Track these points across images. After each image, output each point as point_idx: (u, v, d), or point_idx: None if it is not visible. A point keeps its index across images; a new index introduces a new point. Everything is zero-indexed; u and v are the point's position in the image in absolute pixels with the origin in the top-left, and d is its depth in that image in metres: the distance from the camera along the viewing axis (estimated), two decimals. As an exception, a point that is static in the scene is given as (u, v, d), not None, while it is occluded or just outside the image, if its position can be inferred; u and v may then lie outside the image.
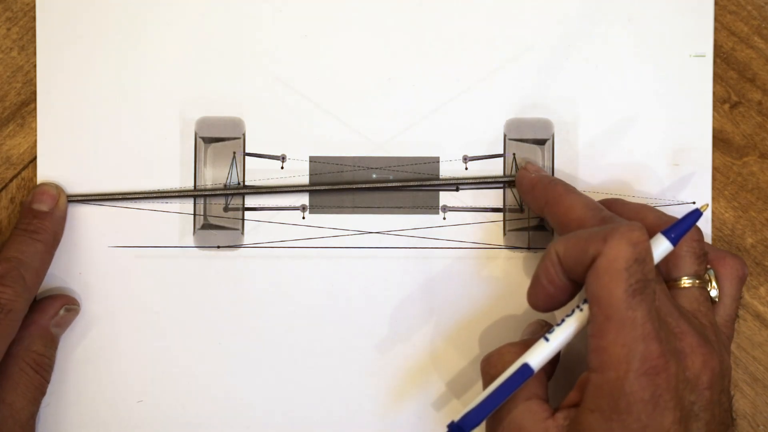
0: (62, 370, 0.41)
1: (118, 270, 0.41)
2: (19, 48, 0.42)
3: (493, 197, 0.42)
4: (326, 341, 0.41)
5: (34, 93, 0.42)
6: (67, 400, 0.41)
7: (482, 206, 0.42)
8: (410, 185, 0.42)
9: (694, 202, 0.41)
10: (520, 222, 0.42)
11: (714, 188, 0.42)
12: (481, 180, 0.41)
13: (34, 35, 0.42)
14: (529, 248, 0.42)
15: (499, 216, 0.42)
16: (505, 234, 0.42)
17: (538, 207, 0.39)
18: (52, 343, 0.40)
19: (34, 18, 0.42)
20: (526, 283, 0.41)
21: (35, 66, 0.42)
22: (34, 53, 0.42)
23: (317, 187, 0.42)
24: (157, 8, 0.42)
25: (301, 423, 0.41)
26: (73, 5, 0.41)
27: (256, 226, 0.42)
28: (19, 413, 0.37)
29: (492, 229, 0.42)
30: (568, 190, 0.38)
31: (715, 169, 0.42)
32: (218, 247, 0.42)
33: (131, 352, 0.41)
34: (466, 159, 0.42)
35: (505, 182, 0.42)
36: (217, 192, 0.42)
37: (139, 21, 0.42)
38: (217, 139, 0.42)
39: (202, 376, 0.41)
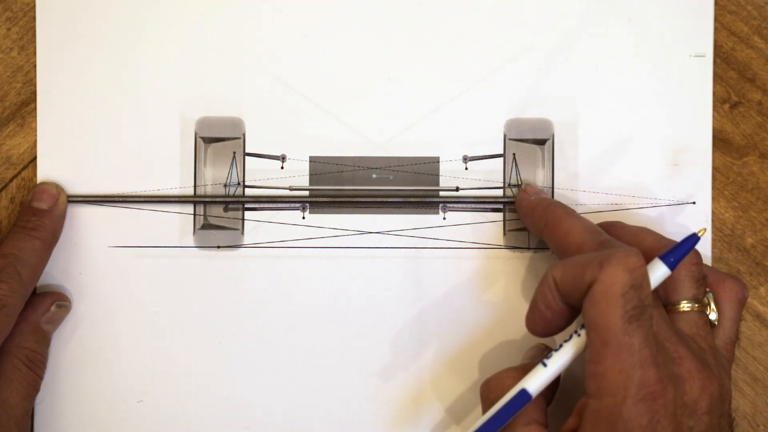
0: (62, 370, 0.41)
1: (118, 270, 0.41)
2: (19, 48, 0.42)
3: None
4: (326, 341, 0.41)
5: (34, 93, 0.42)
6: (67, 400, 0.41)
7: (482, 206, 0.42)
8: (409, 200, 0.42)
9: (694, 203, 0.41)
10: (520, 222, 0.42)
11: (714, 188, 0.42)
12: (480, 199, 0.41)
13: (34, 35, 0.42)
14: (529, 248, 0.42)
15: (499, 216, 0.42)
16: (505, 234, 0.42)
17: (538, 229, 0.39)
18: (44, 340, 0.40)
19: (34, 18, 0.42)
20: (525, 282, 0.41)
21: (35, 66, 0.42)
22: (34, 53, 0.42)
23: (317, 199, 0.42)
24: (157, 8, 0.42)
25: (300, 423, 0.41)
26: (73, 5, 0.41)
27: (256, 226, 0.42)
28: (13, 410, 0.37)
29: (492, 229, 0.42)
30: (568, 213, 0.38)
31: (715, 169, 0.42)
32: (218, 247, 0.42)
33: (131, 352, 0.41)
34: (466, 159, 0.42)
35: (505, 203, 0.42)
36: (217, 200, 0.42)
37: (139, 21, 0.42)
38: (217, 139, 0.42)
39: (202, 376, 0.41)
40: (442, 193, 0.42)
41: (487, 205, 0.42)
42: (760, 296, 0.42)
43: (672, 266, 0.33)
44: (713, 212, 0.42)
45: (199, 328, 0.41)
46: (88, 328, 0.41)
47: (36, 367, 0.39)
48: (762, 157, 0.42)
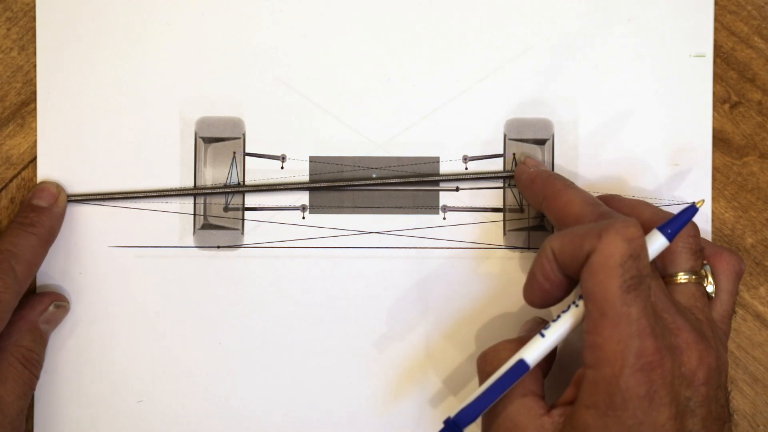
0: (62, 370, 0.41)
1: (118, 270, 0.41)
2: (19, 48, 0.42)
3: (493, 197, 0.42)
4: (326, 341, 0.41)
5: (34, 93, 0.42)
6: (67, 400, 0.41)
7: (482, 206, 0.42)
8: (410, 181, 0.42)
9: (694, 202, 0.41)
10: (519, 222, 0.42)
11: (714, 188, 0.42)
12: (481, 175, 0.41)
13: (34, 35, 0.42)
14: (528, 248, 0.42)
15: (499, 216, 0.42)
16: (504, 234, 0.42)
17: (537, 202, 0.39)
18: (41, 339, 0.40)
19: (34, 18, 0.42)
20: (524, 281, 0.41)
21: (35, 66, 0.42)
22: (34, 53, 0.42)
23: (317, 185, 0.42)
24: (157, 8, 0.42)
25: (300, 422, 0.41)
26: (73, 5, 0.41)
27: (256, 226, 0.42)
28: (7, 408, 0.37)
29: (492, 229, 0.42)
30: (567, 185, 0.38)
31: (715, 169, 0.42)
32: (218, 247, 0.42)
33: (131, 352, 0.41)
34: (466, 159, 0.42)
35: (505, 177, 0.42)
36: (217, 190, 0.42)
37: (139, 21, 0.42)
38: (217, 139, 0.42)
39: (202, 376, 0.41)
40: (442, 185, 0.42)
41: (487, 204, 0.42)
42: (760, 296, 0.42)
43: (670, 237, 0.33)
44: (713, 212, 0.42)
45: (199, 328, 0.41)
46: (87, 328, 0.41)
47: (32, 366, 0.39)
48: (762, 157, 0.42)
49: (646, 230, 0.34)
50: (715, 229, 0.42)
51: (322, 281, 0.41)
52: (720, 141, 0.42)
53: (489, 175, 0.41)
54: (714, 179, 0.42)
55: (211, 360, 0.41)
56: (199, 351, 0.41)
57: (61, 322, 0.41)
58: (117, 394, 0.41)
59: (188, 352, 0.41)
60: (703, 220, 0.42)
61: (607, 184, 0.41)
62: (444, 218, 0.42)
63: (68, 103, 0.41)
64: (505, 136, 0.42)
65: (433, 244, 0.42)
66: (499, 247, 0.42)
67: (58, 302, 0.40)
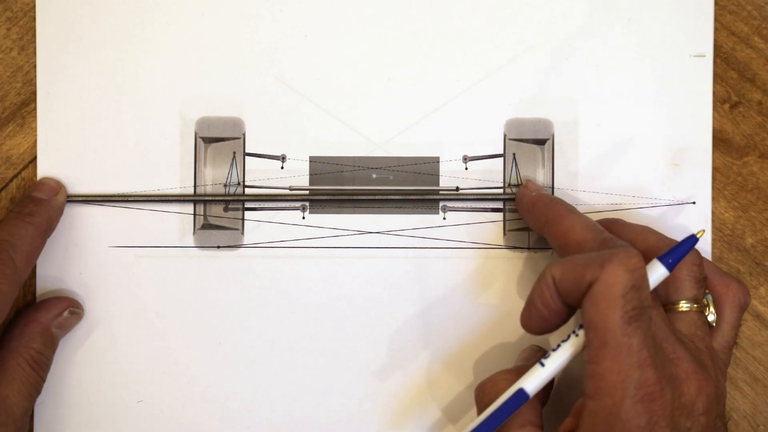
0: (62, 370, 0.41)
1: (119, 270, 0.41)
2: (19, 48, 0.42)
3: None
4: (326, 341, 0.41)
5: (34, 93, 0.42)
6: (67, 400, 0.41)
7: (482, 206, 0.42)
8: (409, 198, 0.42)
9: (694, 202, 0.41)
10: (520, 222, 0.42)
11: (714, 188, 0.42)
12: (480, 196, 0.41)
13: (34, 35, 0.42)
14: (529, 248, 0.42)
15: (499, 216, 0.42)
16: (505, 234, 0.42)
17: (538, 226, 0.39)
18: (51, 343, 0.40)
19: (34, 18, 0.42)
20: (524, 283, 0.41)
21: (35, 66, 0.42)
22: (34, 53, 0.42)
23: (316, 197, 0.42)
24: (157, 8, 0.42)
25: (300, 422, 0.41)
26: (73, 5, 0.41)
27: (256, 226, 0.42)
28: (12, 408, 0.37)
29: (492, 229, 0.42)
30: (569, 210, 0.38)
31: (715, 169, 0.42)
32: (218, 247, 0.42)
33: (131, 352, 0.41)
34: (466, 159, 0.42)
35: (505, 200, 0.42)
36: (217, 198, 0.42)
37: (138, 21, 0.42)
38: (217, 139, 0.42)
39: (202, 376, 0.41)
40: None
41: (487, 203, 0.42)
42: (760, 296, 0.42)
43: (670, 267, 0.33)
44: (713, 212, 0.42)
45: (199, 328, 0.41)
46: (87, 328, 0.41)
47: (39, 368, 0.39)
48: (762, 157, 0.42)
49: (650, 257, 0.34)
50: (715, 229, 0.42)
51: (322, 281, 0.41)
52: (720, 141, 0.42)
53: (489, 197, 0.41)
54: (714, 179, 0.42)
55: (211, 360, 0.41)
56: (199, 351, 0.41)
57: (72, 329, 0.41)
58: (117, 394, 0.41)
59: (188, 352, 0.41)
60: (703, 220, 0.42)
61: (607, 184, 0.41)
62: (444, 218, 0.42)
63: (68, 103, 0.41)
64: (505, 136, 0.42)
65: (433, 244, 0.42)
66: (499, 247, 0.42)
67: (73, 308, 0.40)
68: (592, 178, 0.42)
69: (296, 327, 0.41)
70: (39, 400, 0.40)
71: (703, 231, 0.35)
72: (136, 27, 0.42)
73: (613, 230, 0.37)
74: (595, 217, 0.39)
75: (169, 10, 0.42)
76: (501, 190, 0.42)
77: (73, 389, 0.41)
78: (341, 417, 0.41)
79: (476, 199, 0.42)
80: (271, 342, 0.41)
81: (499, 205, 0.42)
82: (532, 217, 0.39)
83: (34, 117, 0.42)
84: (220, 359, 0.41)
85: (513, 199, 0.41)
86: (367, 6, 0.42)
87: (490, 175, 0.42)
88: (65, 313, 0.40)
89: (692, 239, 0.34)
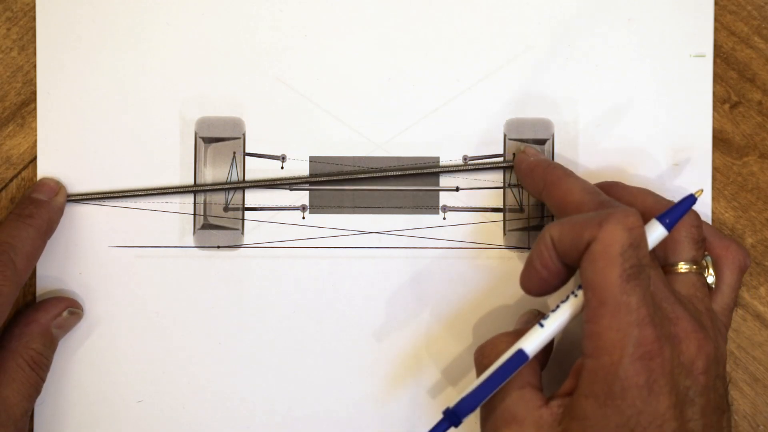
0: (62, 370, 0.41)
1: (118, 270, 0.41)
2: (19, 48, 0.42)
3: (493, 197, 0.42)
4: (326, 341, 0.41)
5: (34, 93, 0.42)
6: (67, 400, 0.41)
7: (482, 206, 0.42)
8: (409, 173, 0.42)
9: (692, 193, 0.41)
10: (520, 222, 0.42)
11: (714, 188, 0.42)
12: (480, 165, 0.41)
13: (34, 35, 0.42)
14: (529, 248, 0.42)
15: (499, 216, 0.42)
16: (505, 234, 0.42)
17: (537, 190, 0.39)
18: (51, 344, 0.40)
19: (34, 18, 0.42)
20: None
21: (35, 66, 0.42)
22: (34, 53, 0.42)
23: (317, 179, 0.42)
24: (157, 8, 0.42)
25: (300, 422, 0.41)
26: (73, 5, 0.41)
27: (256, 226, 0.42)
28: (12, 409, 0.37)
29: (492, 229, 0.42)
30: (567, 173, 0.38)
31: (715, 169, 0.42)
32: (218, 247, 0.42)
33: (131, 352, 0.41)
34: (466, 159, 0.42)
35: (504, 167, 0.41)
36: (217, 186, 0.42)
37: (139, 21, 0.42)
38: (217, 139, 0.42)
39: (202, 376, 0.41)
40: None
41: (486, 203, 0.42)
42: (760, 296, 0.42)
43: (669, 227, 0.33)
44: (713, 212, 0.42)
45: (199, 328, 0.41)
46: (87, 328, 0.41)
47: (39, 369, 0.39)
48: (762, 157, 0.42)
49: (648, 218, 0.34)
50: (715, 229, 0.42)
51: (322, 281, 0.41)
52: (720, 141, 0.42)
53: (488, 165, 0.41)
54: (714, 179, 0.42)
55: (211, 360, 0.41)
56: (199, 351, 0.41)
57: (72, 329, 0.41)
58: (117, 394, 0.41)
59: (188, 352, 0.41)
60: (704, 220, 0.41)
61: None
62: (444, 218, 0.42)
63: (68, 103, 0.41)
64: (505, 136, 0.42)
65: (433, 244, 0.42)
66: (499, 247, 0.42)
67: (72, 308, 0.40)
68: (592, 178, 0.42)
69: (296, 327, 0.41)
70: (39, 400, 0.40)
71: (701, 191, 0.35)
72: (136, 27, 0.42)
73: (612, 193, 0.37)
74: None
75: (169, 10, 0.42)
76: (500, 192, 0.42)
77: (73, 389, 0.41)
78: (341, 417, 0.41)
79: (475, 169, 0.41)
80: (271, 342, 0.41)
81: (500, 205, 0.42)
82: (530, 181, 0.39)
83: (34, 117, 0.42)
84: (220, 359, 0.41)
85: (512, 166, 0.41)
86: (367, 6, 0.42)
87: (490, 175, 0.42)
88: (64, 314, 0.40)
89: (690, 199, 0.34)
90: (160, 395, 0.41)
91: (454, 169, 0.41)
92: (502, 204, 0.42)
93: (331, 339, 0.41)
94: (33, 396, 0.39)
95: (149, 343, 0.41)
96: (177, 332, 0.41)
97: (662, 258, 0.35)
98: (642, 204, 0.36)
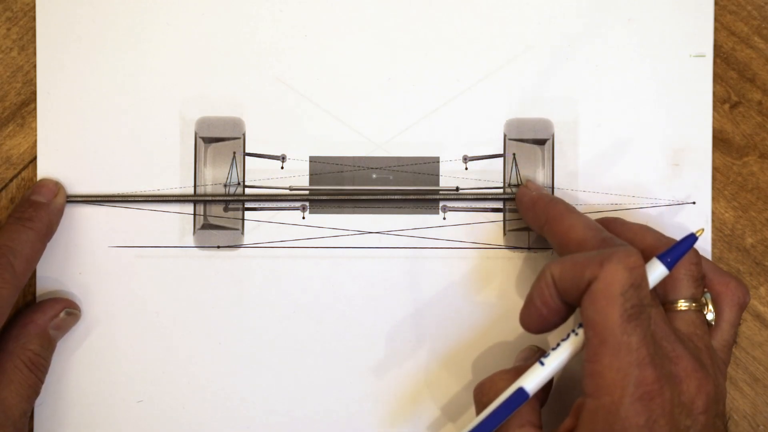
0: (62, 370, 0.41)
1: (118, 270, 0.41)
2: (19, 48, 0.42)
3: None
4: (326, 341, 0.41)
5: (34, 93, 0.42)
6: (67, 400, 0.41)
7: (482, 206, 0.42)
8: (409, 197, 0.42)
9: (694, 202, 0.41)
10: (520, 222, 0.42)
11: (714, 188, 0.42)
12: (480, 196, 0.41)
13: (34, 35, 0.42)
14: (529, 248, 0.42)
15: (499, 216, 0.42)
16: (505, 234, 0.42)
17: (538, 225, 0.39)
18: (49, 345, 0.40)
19: (34, 18, 0.42)
20: (525, 282, 0.41)
21: (35, 66, 0.42)
22: (34, 53, 0.42)
23: (316, 197, 0.42)
24: (157, 8, 0.42)
25: (300, 422, 0.41)
26: (73, 5, 0.41)
27: (256, 226, 0.42)
28: (10, 410, 0.37)
29: (492, 229, 0.42)
30: (569, 209, 0.38)
31: (715, 169, 0.42)
32: (218, 247, 0.42)
33: (131, 352, 0.41)
34: (466, 159, 0.42)
35: (505, 199, 0.41)
36: (217, 198, 0.42)
37: (139, 21, 0.42)
38: (217, 139, 0.42)
39: (202, 376, 0.41)
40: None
41: (487, 204, 0.42)
42: (760, 296, 0.42)
43: (669, 266, 0.34)
44: (713, 212, 0.42)
45: (199, 328, 0.41)
46: (87, 328, 0.41)
47: (37, 370, 0.39)
48: (762, 157, 0.42)
49: (649, 256, 0.34)
50: (715, 229, 0.42)
51: (321, 281, 0.41)
52: (720, 141, 0.42)
53: (488, 196, 0.41)
54: (714, 179, 0.42)
55: (211, 360, 0.41)
56: (199, 351, 0.41)
57: (70, 329, 0.41)
58: (117, 394, 0.41)
59: (188, 352, 0.41)
60: (703, 220, 0.42)
61: (607, 184, 0.41)
62: (444, 218, 0.42)
63: (68, 103, 0.41)
64: (505, 136, 0.42)
65: (433, 244, 0.42)
66: (499, 247, 0.42)
67: (69, 309, 0.40)
68: (592, 178, 0.42)
69: (296, 327, 0.41)
70: (38, 400, 0.40)
71: (702, 230, 0.35)
72: (136, 27, 0.42)
73: (612, 229, 0.37)
74: (594, 217, 0.39)
75: (169, 10, 0.42)
76: (501, 191, 0.42)
77: (72, 390, 0.41)
78: (341, 417, 0.41)
79: (476, 198, 0.42)
80: (271, 342, 0.41)
81: (499, 205, 0.42)
82: (532, 216, 0.39)
83: (34, 117, 0.42)
84: (220, 359, 0.41)
85: (513, 199, 0.41)
86: (367, 6, 0.42)
87: (490, 175, 0.42)
88: (62, 314, 0.40)
89: (691, 238, 0.34)
90: (160, 395, 0.41)
91: (454, 197, 0.41)
92: (502, 204, 0.42)
93: (331, 339, 0.41)
94: (31, 397, 0.39)
95: (149, 343, 0.41)
96: (177, 332, 0.41)
97: (662, 295, 0.35)
98: (642, 242, 0.36)
